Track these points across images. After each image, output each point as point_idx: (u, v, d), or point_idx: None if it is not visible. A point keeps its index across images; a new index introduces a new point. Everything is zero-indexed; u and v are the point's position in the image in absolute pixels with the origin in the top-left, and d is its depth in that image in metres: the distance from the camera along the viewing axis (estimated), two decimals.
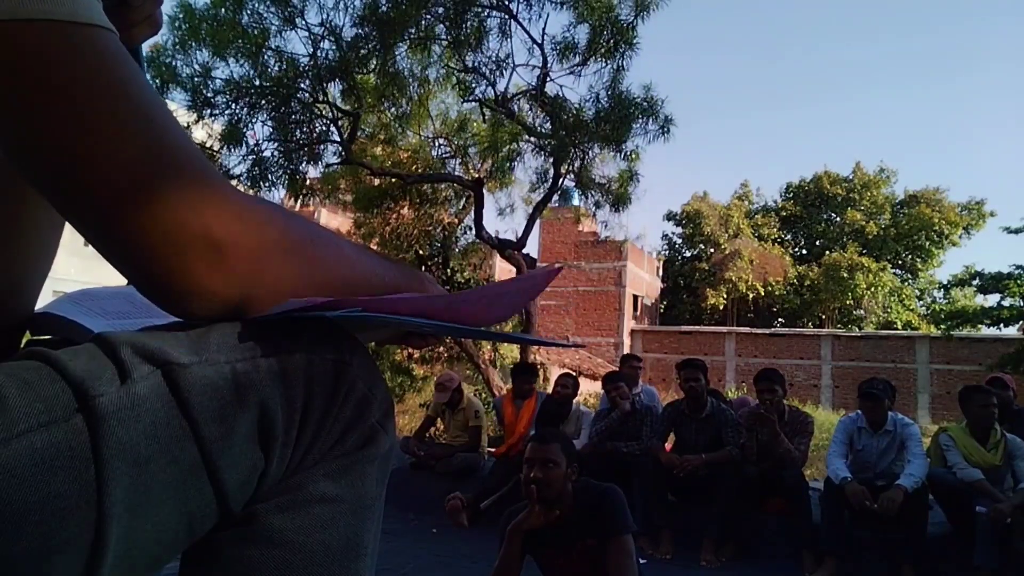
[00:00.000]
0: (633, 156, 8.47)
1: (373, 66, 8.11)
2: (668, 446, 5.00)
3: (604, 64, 7.97)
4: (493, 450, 5.89)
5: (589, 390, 16.42)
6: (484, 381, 10.42)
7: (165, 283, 0.48)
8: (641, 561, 2.81)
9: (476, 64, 8.32)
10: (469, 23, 7.87)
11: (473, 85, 8.58)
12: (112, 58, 0.46)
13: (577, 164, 8.75)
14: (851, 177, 34.80)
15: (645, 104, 7.97)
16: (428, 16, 7.73)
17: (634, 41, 7.73)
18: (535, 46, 8.16)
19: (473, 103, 9.03)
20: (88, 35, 0.45)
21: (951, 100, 67.59)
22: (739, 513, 4.33)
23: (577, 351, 23.26)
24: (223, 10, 7.78)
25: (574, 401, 5.49)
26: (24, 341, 0.60)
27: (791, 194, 36.62)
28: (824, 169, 35.72)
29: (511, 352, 13.74)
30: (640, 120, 8.02)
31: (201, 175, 0.48)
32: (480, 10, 7.97)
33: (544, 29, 8.10)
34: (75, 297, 0.70)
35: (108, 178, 0.45)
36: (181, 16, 7.80)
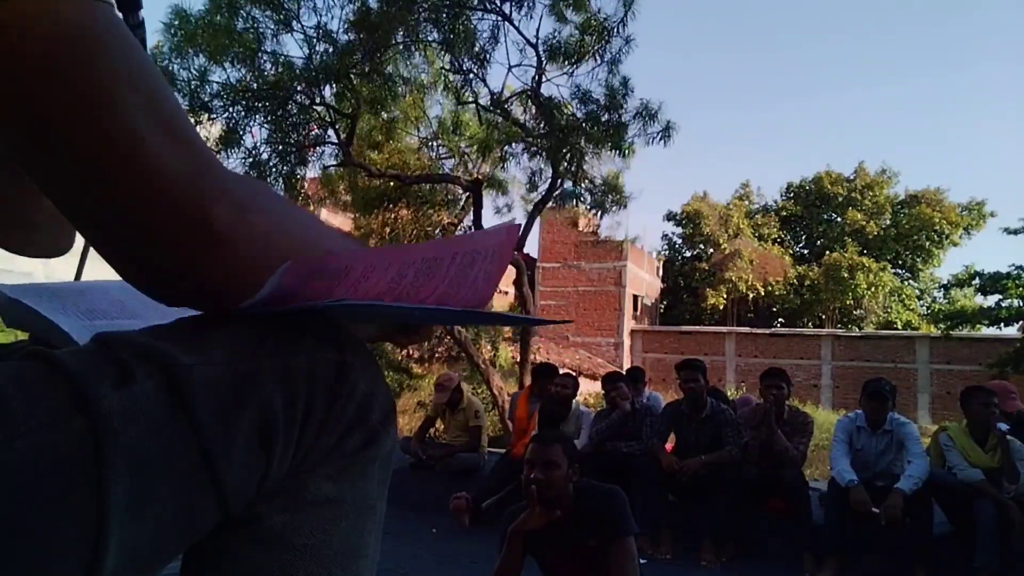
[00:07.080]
0: (628, 151, 8.43)
1: (366, 70, 8.10)
2: (669, 446, 5.00)
3: (597, 63, 7.98)
4: (503, 450, 5.88)
5: (589, 390, 16.42)
6: (484, 381, 10.41)
7: (159, 268, 0.47)
8: (641, 561, 2.80)
9: (469, 66, 8.32)
10: (461, 25, 7.86)
11: (466, 87, 8.59)
12: (113, 33, 0.44)
13: (574, 165, 8.75)
14: (853, 177, 34.77)
15: (643, 111, 7.98)
16: (417, 18, 7.71)
17: (624, 36, 7.73)
18: (528, 47, 8.18)
19: (469, 104, 9.04)
20: (86, 8, 0.42)
21: (951, 99, 67.60)
22: (739, 513, 4.33)
23: (577, 351, 23.29)
24: (219, 16, 7.75)
25: (574, 401, 5.49)
26: (24, 341, 0.60)
27: (791, 194, 36.57)
28: (826, 169, 35.72)
29: (507, 351, 13.71)
30: (639, 121, 8.03)
31: (199, 158, 0.46)
32: (471, 12, 7.96)
33: (539, 29, 8.11)
34: (51, 290, 0.66)
35: (101, 158, 0.43)
36: (176, 23, 7.75)
